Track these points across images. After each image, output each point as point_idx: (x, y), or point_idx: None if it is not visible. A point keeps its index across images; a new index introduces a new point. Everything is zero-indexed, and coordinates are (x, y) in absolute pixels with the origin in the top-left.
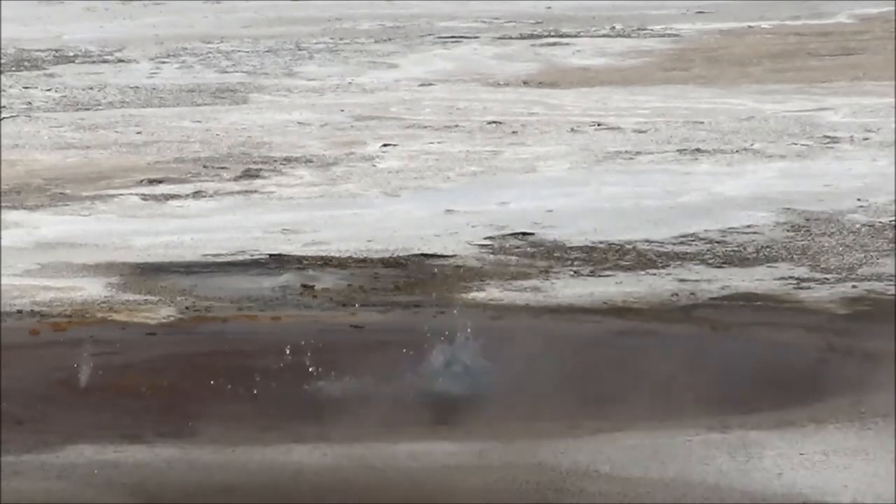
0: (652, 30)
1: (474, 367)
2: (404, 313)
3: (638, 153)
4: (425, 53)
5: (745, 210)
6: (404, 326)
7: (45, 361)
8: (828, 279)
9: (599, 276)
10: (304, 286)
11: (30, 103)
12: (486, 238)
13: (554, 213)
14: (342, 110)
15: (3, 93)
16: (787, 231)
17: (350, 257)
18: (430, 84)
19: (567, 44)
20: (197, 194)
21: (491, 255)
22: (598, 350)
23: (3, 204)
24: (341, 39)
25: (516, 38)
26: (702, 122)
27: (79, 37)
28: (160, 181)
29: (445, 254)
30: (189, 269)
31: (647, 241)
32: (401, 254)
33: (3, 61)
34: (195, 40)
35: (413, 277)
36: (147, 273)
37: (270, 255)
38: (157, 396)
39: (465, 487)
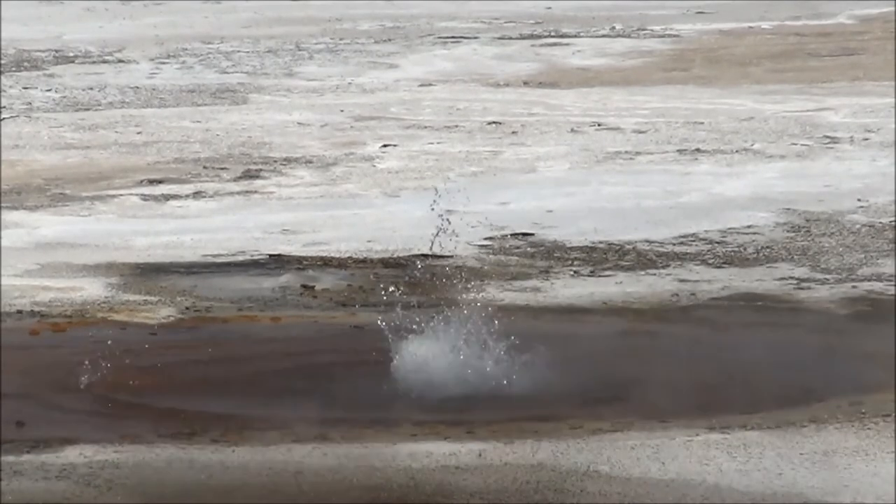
0: (652, 30)
1: (474, 366)
2: (404, 313)
3: (638, 153)
4: (425, 54)
5: (746, 210)
6: (404, 326)
7: (45, 361)
8: (828, 279)
9: (599, 276)
10: (304, 286)
11: (30, 104)
12: (485, 238)
13: (554, 213)
14: (342, 111)
15: (3, 93)
16: (788, 231)
17: (350, 257)
18: (430, 84)
19: (567, 44)
20: (197, 195)
21: (491, 256)
22: (598, 350)
23: (3, 204)
24: (341, 40)
25: (516, 39)
26: (702, 123)
27: (79, 37)
28: (160, 181)
29: (445, 254)
30: (189, 269)
31: (647, 241)
32: (401, 254)
33: (3, 62)
34: (195, 41)
35: (413, 278)
36: (147, 273)
37: (270, 256)
38: (158, 396)
39: (465, 488)
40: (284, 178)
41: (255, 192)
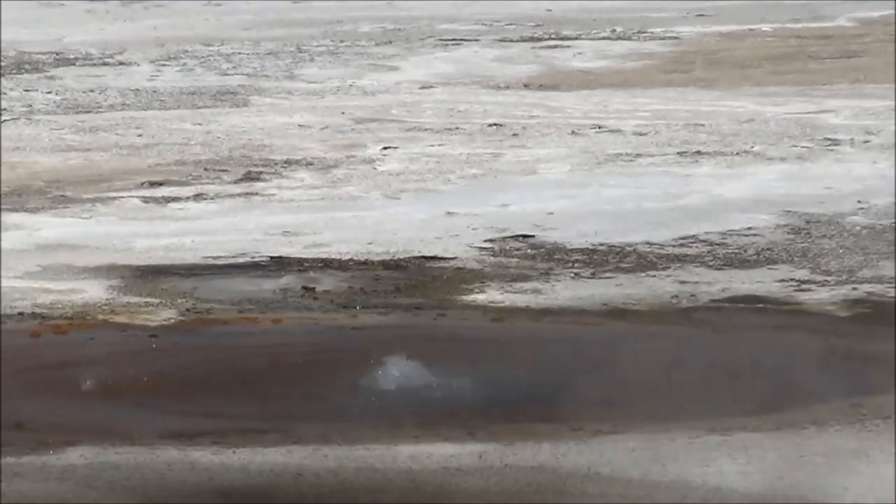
0: (652, 32)
1: (474, 368)
2: (405, 315)
3: (638, 155)
4: (426, 56)
5: (746, 212)
6: (405, 328)
7: (46, 363)
8: (828, 281)
9: (600, 278)
10: (305, 288)
11: (30, 106)
12: (486, 240)
13: (554, 215)
14: (343, 113)
15: (3, 95)
16: (788, 233)
17: (351, 259)
18: (431, 87)
19: (568, 46)
20: (198, 197)
21: (491, 258)
22: (599, 352)
23: (3, 206)
24: (342, 42)
25: (517, 41)
26: (702, 125)
27: (79, 39)
28: (161, 184)
29: (446, 256)
30: (190, 271)
31: (647, 243)
32: (401, 256)
33: (3, 64)
34: (196, 43)
35: (413, 279)
36: (148, 275)
37: (271, 258)
38: (158, 398)
39: (466, 489)
40: (285, 181)
41: (256, 194)
